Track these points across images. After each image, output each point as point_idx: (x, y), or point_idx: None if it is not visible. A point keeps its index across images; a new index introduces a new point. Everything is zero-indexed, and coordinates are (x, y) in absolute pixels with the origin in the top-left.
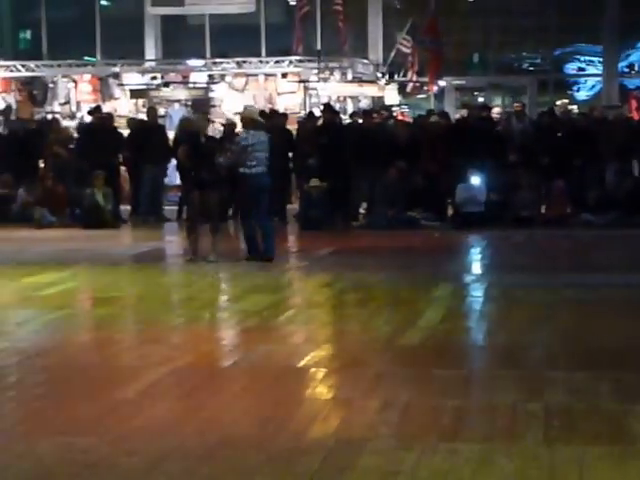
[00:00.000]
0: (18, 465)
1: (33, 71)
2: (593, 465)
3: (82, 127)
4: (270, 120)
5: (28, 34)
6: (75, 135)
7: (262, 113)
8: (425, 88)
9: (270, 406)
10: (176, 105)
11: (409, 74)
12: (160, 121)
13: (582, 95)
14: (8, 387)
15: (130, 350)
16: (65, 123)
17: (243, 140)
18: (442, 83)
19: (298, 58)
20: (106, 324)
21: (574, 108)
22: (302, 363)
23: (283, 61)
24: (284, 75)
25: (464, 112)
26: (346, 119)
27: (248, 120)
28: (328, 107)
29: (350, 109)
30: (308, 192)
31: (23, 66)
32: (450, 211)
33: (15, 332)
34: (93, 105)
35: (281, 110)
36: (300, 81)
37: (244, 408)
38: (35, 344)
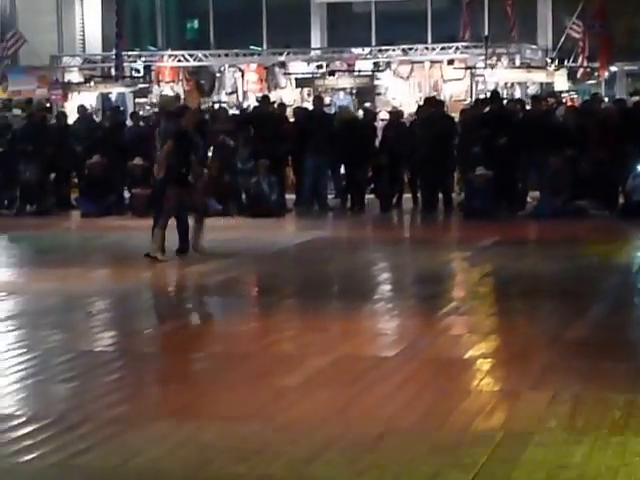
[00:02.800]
0: (182, 450)
1: (200, 61)
2: None
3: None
4: (429, 108)
5: (195, 24)
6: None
7: (429, 100)
8: (596, 74)
9: (435, 397)
10: (341, 93)
11: (579, 59)
12: (325, 110)
13: None
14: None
15: (294, 337)
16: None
17: None
18: (613, 69)
19: (465, 44)
20: (271, 311)
21: None
22: (467, 354)
23: (449, 47)
24: (450, 62)
25: (636, 98)
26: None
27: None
28: (495, 95)
29: (518, 95)
30: (472, 181)
31: (191, 56)
32: (621, 200)
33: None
34: (259, 95)
35: (447, 98)
36: (467, 68)
37: (408, 398)
38: (200, 331)
